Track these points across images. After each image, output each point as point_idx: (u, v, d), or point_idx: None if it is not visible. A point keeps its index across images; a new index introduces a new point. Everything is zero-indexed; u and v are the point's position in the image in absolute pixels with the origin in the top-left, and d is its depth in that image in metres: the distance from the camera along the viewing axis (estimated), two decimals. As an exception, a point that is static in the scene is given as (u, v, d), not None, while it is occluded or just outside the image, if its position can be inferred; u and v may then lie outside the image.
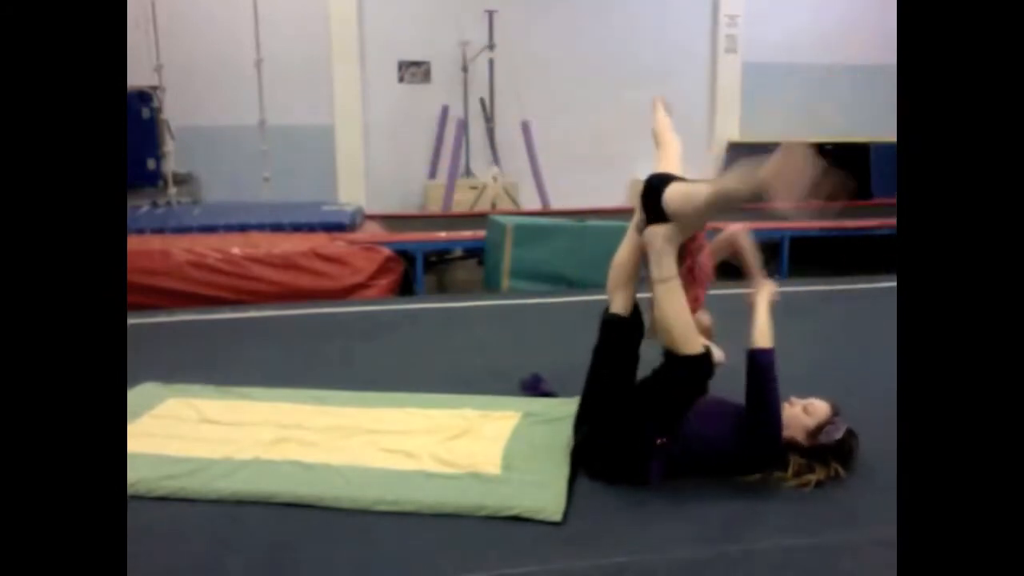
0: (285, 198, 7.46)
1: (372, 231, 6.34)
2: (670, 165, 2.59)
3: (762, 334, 2.38)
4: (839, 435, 2.34)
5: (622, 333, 2.48)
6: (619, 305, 2.50)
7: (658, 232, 2.34)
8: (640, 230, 2.44)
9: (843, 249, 6.82)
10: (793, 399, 2.40)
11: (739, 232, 2.59)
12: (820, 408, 2.37)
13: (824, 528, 2.17)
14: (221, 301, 4.96)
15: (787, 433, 2.35)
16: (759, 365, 2.34)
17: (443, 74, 8.44)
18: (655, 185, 2.39)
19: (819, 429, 2.34)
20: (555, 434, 2.63)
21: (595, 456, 2.45)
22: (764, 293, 2.48)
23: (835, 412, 2.38)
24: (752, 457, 2.36)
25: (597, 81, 8.64)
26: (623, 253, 2.56)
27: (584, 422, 2.49)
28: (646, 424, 2.37)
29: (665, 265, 2.34)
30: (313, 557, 2.04)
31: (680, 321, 2.33)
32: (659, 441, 2.36)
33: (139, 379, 3.18)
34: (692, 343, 2.34)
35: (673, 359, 2.36)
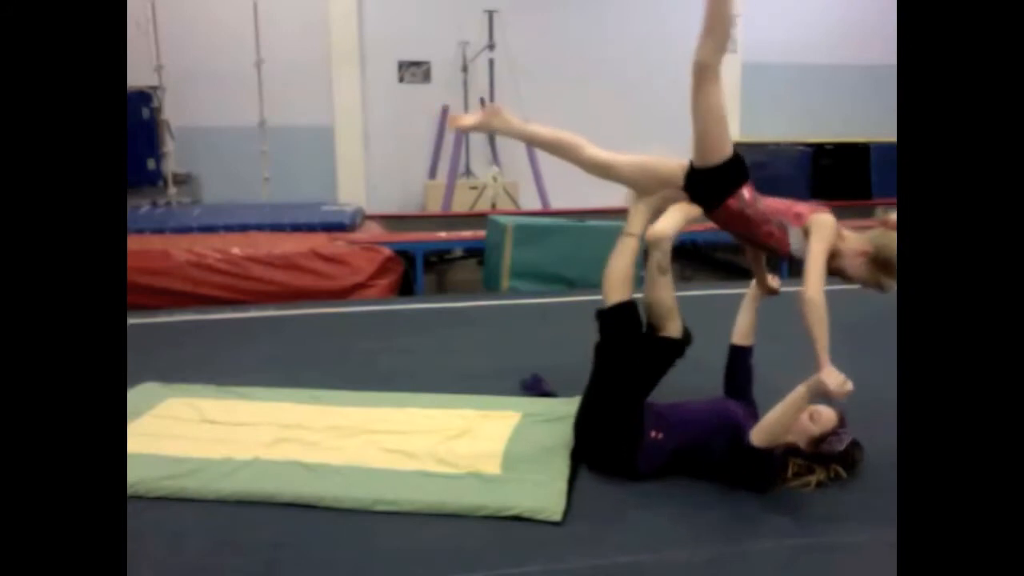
0: (285, 198, 7.46)
1: (372, 231, 6.34)
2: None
3: (769, 432, 2.27)
4: (842, 446, 2.33)
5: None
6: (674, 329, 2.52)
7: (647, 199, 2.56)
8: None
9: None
10: None
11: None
12: (826, 417, 2.35)
13: (824, 528, 2.17)
14: (221, 301, 4.95)
15: (789, 438, 2.34)
16: (752, 456, 2.30)
17: (443, 74, 8.44)
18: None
19: (823, 438, 2.32)
20: (555, 434, 2.63)
21: (589, 444, 2.48)
22: (817, 382, 2.21)
23: (841, 422, 2.36)
24: (744, 480, 2.36)
25: (597, 81, 8.64)
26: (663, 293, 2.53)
27: (581, 417, 2.51)
28: (634, 406, 2.41)
29: (632, 221, 2.57)
30: (313, 557, 2.04)
31: (616, 271, 2.53)
32: (653, 434, 2.37)
33: (139, 379, 3.18)
34: (617, 293, 2.51)
35: (602, 315, 2.52)
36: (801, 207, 2.48)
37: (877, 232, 2.42)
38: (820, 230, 2.39)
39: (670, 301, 2.50)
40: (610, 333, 2.51)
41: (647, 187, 2.58)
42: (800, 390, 2.23)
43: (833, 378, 2.19)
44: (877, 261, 2.39)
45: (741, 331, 2.70)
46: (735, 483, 2.34)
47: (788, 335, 2.51)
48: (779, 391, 2.44)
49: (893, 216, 2.40)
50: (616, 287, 2.52)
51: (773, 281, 2.75)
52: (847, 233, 2.45)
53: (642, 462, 2.38)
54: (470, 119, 2.67)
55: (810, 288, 2.29)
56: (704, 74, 2.36)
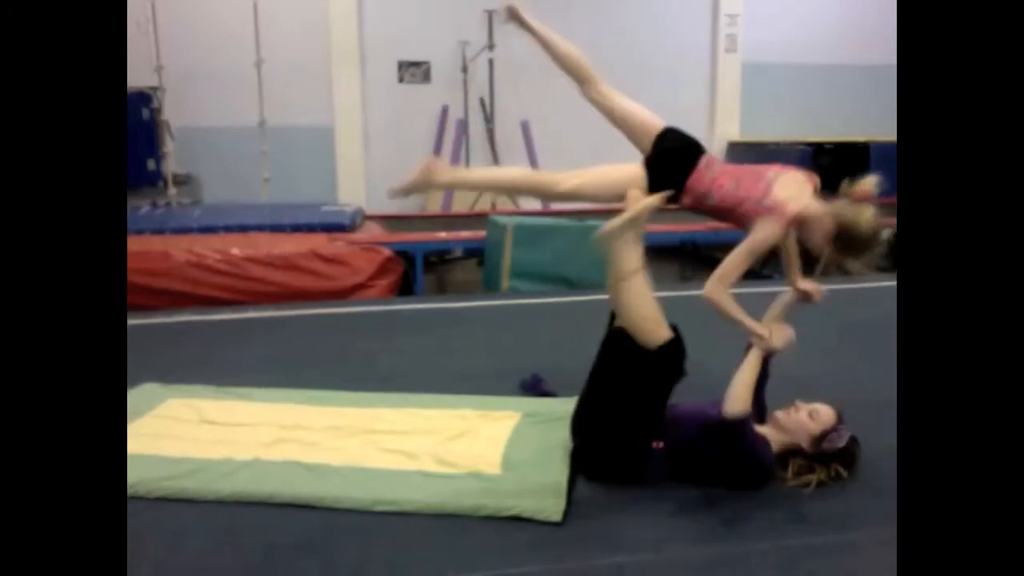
0: (285, 199, 7.46)
1: (372, 231, 6.34)
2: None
3: (735, 396, 2.29)
4: (842, 443, 2.33)
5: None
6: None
7: (608, 233, 2.33)
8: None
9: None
10: (799, 403, 2.38)
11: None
12: (825, 414, 2.35)
13: (824, 528, 2.17)
14: (221, 302, 4.96)
15: (791, 439, 2.35)
16: (725, 431, 2.30)
17: (443, 74, 8.44)
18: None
19: (823, 436, 2.33)
20: (555, 434, 2.63)
21: (592, 459, 2.45)
22: (766, 343, 2.34)
23: (839, 419, 2.36)
24: (737, 470, 2.35)
25: (597, 81, 8.63)
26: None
27: (581, 429, 2.48)
28: (639, 427, 2.36)
29: (629, 258, 2.31)
30: (313, 558, 2.04)
31: (647, 313, 2.32)
32: (655, 445, 2.36)
33: (139, 379, 3.18)
34: (661, 332, 2.33)
35: (646, 354, 2.32)
36: (750, 204, 2.35)
37: (840, 205, 2.28)
38: (759, 232, 2.32)
39: (635, 260, 2.35)
40: (659, 373, 2.37)
41: (610, 198, 2.54)
42: (751, 354, 2.36)
43: (776, 334, 2.35)
44: (839, 239, 2.27)
45: None
46: (732, 481, 2.34)
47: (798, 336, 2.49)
48: (778, 392, 2.45)
49: (862, 186, 2.27)
50: (657, 321, 2.34)
51: (806, 284, 2.54)
52: (814, 208, 2.31)
53: (648, 476, 2.37)
54: (405, 181, 2.52)
55: (708, 282, 2.34)
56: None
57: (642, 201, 2.35)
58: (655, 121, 2.56)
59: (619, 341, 2.39)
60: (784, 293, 2.56)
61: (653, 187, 2.43)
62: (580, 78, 2.59)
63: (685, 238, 6.43)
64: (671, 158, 2.49)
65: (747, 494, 2.31)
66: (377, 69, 8.38)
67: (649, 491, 2.34)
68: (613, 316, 2.46)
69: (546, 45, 2.59)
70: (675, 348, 2.34)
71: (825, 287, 2.53)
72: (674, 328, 2.37)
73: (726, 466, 2.33)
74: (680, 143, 2.52)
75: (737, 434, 2.29)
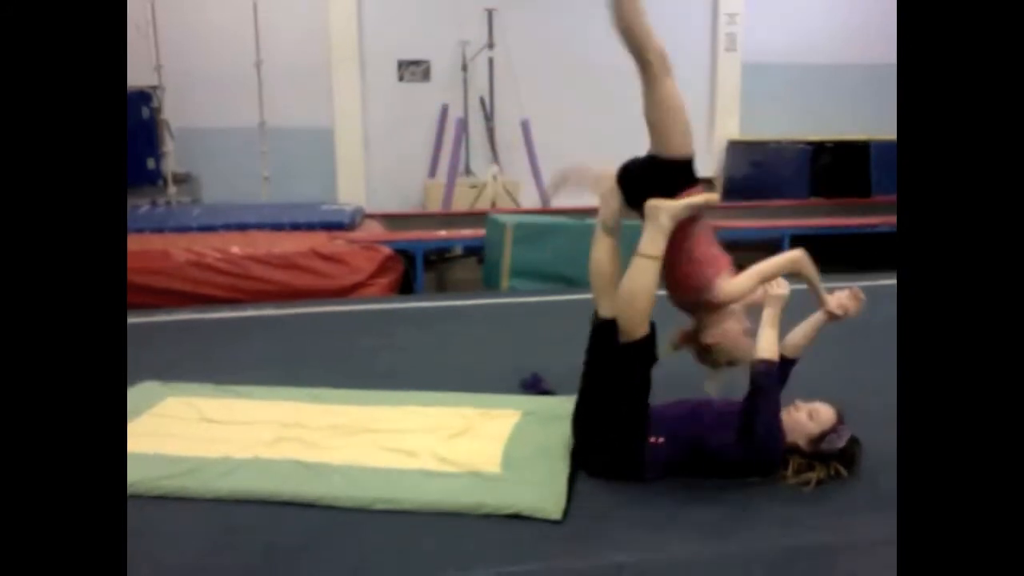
0: (285, 198, 7.46)
1: (372, 230, 6.34)
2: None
3: (764, 343, 2.40)
4: (842, 443, 2.32)
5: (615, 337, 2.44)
6: (610, 310, 2.46)
7: (664, 208, 2.33)
8: (610, 229, 2.52)
9: (843, 248, 6.81)
10: (799, 403, 2.38)
11: (803, 259, 2.44)
12: (825, 414, 2.35)
13: (824, 528, 2.17)
14: (221, 301, 4.95)
15: (790, 438, 2.34)
16: (751, 374, 2.35)
17: (443, 73, 8.44)
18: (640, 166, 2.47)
19: (822, 436, 2.32)
20: (555, 433, 2.63)
21: (591, 455, 2.45)
22: (821, 315, 2.55)
23: (840, 419, 2.36)
24: (749, 463, 2.35)
25: (597, 80, 8.63)
26: (602, 258, 2.53)
27: (579, 426, 2.48)
28: (629, 418, 2.37)
29: (658, 242, 2.34)
30: (313, 557, 2.04)
31: (646, 300, 2.36)
32: (653, 440, 2.36)
33: (139, 378, 3.17)
34: (644, 325, 2.38)
35: (620, 348, 2.39)
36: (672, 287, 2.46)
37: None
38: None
39: (611, 268, 2.50)
40: (633, 367, 2.40)
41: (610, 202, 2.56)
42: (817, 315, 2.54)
43: (850, 300, 2.51)
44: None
45: (790, 344, 2.54)
46: (738, 469, 2.35)
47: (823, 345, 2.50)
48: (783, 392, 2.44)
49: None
50: (644, 316, 2.38)
51: (834, 302, 2.53)
52: (733, 320, 2.40)
53: (648, 472, 2.37)
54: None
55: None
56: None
57: (611, 203, 2.53)
58: (670, 146, 2.40)
59: (597, 337, 2.46)
60: (815, 314, 2.56)
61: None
62: (639, 60, 2.38)
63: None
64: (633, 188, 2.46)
65: (747, 493, 2.31)
66: (377, 68, 8.38)
67: (649, 490, 2.34)
68: (596, 314, 2.51)
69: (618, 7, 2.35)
70: (648, 342, 2.40)
71: (850, 293, 2.54)
72: (651, 324, 2.42)
73: (738, 451, 2.33)
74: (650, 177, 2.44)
75: (759, 374, 2.34)
